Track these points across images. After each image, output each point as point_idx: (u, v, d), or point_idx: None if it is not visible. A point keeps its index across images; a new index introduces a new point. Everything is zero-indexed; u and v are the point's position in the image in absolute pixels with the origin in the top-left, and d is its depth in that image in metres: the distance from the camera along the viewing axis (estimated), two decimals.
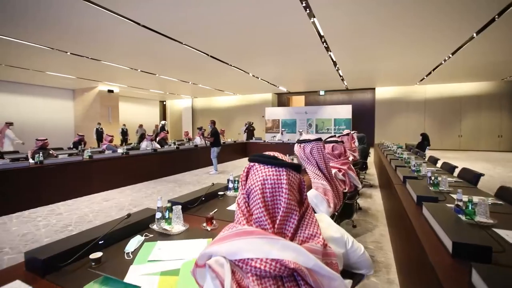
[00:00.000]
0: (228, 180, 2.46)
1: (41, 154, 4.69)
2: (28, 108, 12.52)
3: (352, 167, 2.42)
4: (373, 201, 4.67)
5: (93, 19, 5.46)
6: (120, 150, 6.32)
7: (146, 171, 6.47)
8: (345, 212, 2.40)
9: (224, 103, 18.44)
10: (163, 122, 13.51)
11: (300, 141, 1.76)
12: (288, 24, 5.83)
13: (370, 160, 8.81)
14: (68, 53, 7.83)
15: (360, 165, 5.11)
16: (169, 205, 1.59)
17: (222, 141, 10.65)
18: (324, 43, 7.11)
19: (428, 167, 3.64)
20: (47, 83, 12.71)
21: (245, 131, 12.89)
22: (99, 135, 11.32)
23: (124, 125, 13.50)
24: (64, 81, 12.03)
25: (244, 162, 10.17)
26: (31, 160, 4.73)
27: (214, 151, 7.39)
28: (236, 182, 2.40)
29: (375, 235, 3.16)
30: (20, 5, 4.83)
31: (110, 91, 13.89)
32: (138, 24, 5.76)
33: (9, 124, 7.91)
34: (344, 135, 4.28)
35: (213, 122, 7.79)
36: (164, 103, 20.81)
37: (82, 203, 4.64)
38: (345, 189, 2.26)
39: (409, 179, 2.64)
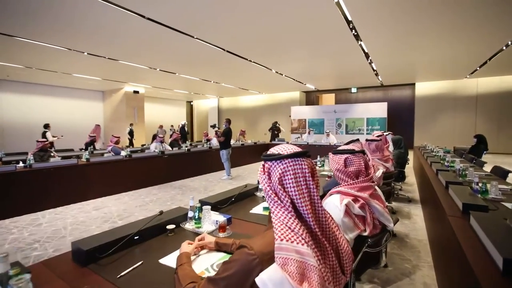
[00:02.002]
0: (259, 182, 2.72)
1: (32, 158, 4.35)
2: (63, 109, 12.96)
3: (379, 193, 1.50)
4: (413, 223, 3.58)
5: (100, 15, 5.10)
6: (123, 153, 5.88)
7: (150, 176, 5.95)
8: (366, 261, 1.52)
9: (250, 103, 17.77)
10: (182, 122, 13.23)
11: (265, 157, 0.88)
12: (309, 8, 4.93)
13: (409, 166, 7.51)
14: (85, 53, 7.70)
15: (396, 176, 4.05)
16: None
17: (241, 143, 10.03)
18: (353, 30, 6.08)
19: (499, 184, 2.46)
20: (77, 85, 13.07)
21: (269, 130, 12.25)
22: (132, 135, 12.05)
23: (171, 126, 13.45)
24: (92, 82, 12.24)
25: None
26: (21, 164, 4.39)
27: (224, 154, 6.65)
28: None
29: (415, 284, 2.18)
30: (29, 4, 4.60)
31: (136, 92, 13.94)
32: (143, 16, 5.28)
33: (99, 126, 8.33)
34: (375, 140, 3.20)
35: (228, 121, 7.06)
36: (191, 103, 20.72)
37: (70, 212, 4.19)
38: (364, 230, 1.36)
39: (474, 210, 1.68)
